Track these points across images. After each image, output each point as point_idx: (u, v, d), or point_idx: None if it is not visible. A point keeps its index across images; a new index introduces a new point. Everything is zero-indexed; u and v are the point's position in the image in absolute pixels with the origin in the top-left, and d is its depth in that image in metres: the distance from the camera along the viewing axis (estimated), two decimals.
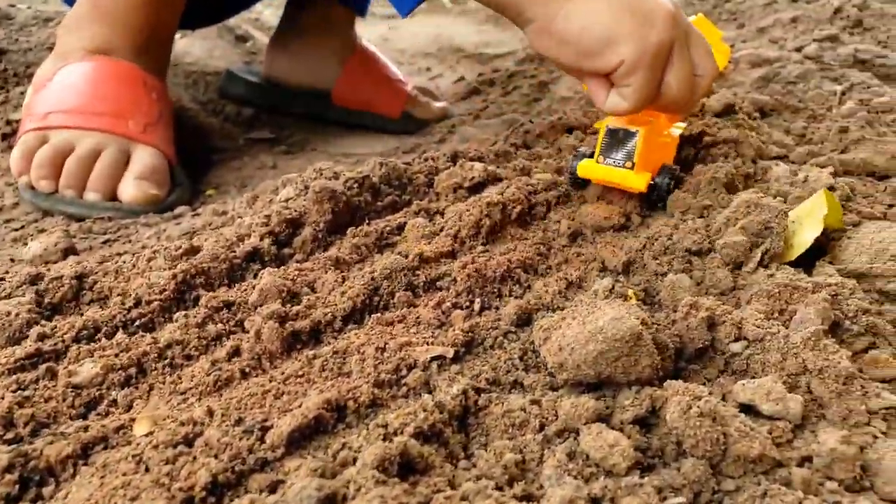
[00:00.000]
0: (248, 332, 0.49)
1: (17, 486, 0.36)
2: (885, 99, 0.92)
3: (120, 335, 0.50)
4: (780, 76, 1.03)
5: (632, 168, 0.63)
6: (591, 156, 0.66)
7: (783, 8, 1.49)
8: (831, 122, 0.83)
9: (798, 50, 1.21)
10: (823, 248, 0.59)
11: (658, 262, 0.56)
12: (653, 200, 0.66)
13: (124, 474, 0.35)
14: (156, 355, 0.48)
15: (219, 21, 1.35)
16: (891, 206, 0.69)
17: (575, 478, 0.36)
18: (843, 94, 0.96)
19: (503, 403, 0.41)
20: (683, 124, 0.75)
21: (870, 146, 0.77)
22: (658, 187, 0.64)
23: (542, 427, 0.40)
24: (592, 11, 0.59)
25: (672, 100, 0.61)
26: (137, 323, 0.52)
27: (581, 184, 0.68)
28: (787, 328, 0.48)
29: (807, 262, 0.57)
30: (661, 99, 0.61)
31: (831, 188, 0.67)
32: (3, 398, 0.43)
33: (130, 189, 0.81)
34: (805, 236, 0.57)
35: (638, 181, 0.62)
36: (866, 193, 0.70)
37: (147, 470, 0.35)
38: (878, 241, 0.56)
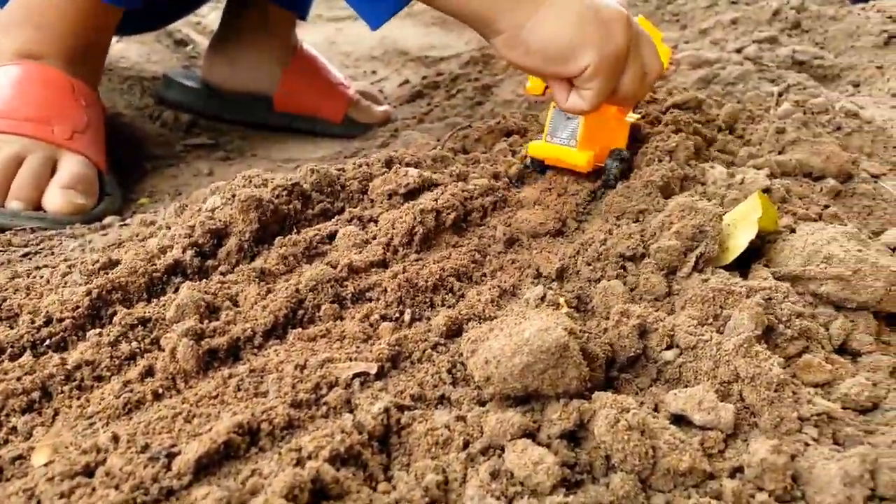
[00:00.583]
0: (163, 350, 0.46)
1: None
2: (821, 100, 0.93)
3: (26, 356, 0.47)
4: (719, 77, 1.04)
5: (575, 146, 0.67)
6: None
7: (724, 10, 1.50)
8: (769, 122, 0.84)
9: (738, 51, 1.22)
10: (759, 250, 0.59)
11: (592, 268, 0.55)
12: (604, 183, 0.69)
13: None
14: (63, 377, 0.45)
15: (159, 27, 1.32)
16: (826, 206, 0.69)
17: (498, 498, 0.35)
18: (781, 95, 0.97)
19: (427, 421, 0.39)
20: (636, 114, 0.80)
21: (806, 147, 0.77)
22: (607, 169, 0.69)
23: (466, 445, 0.38)
24: (557, 23, 0.63)
25: (624, 97, 0.67)
26: (47, 343, 0.49)
27: (542, 168, 0.72)
28: (721, 333, 0.47)
29: (742, 264, 0.56)
30: (614, 96, 0.66)
31: (767, 190, 0.67)
32: None
33: (56, 198, 0.77)
34: (740, 239, 0.56)
35: (579, 158, 0.66)
36: (802, 194, 0.71)
37: None
38: (812, 243, 0.56)
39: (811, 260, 0.54)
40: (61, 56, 0.86)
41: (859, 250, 0.53)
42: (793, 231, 0.59)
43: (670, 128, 0.78)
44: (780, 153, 0.78)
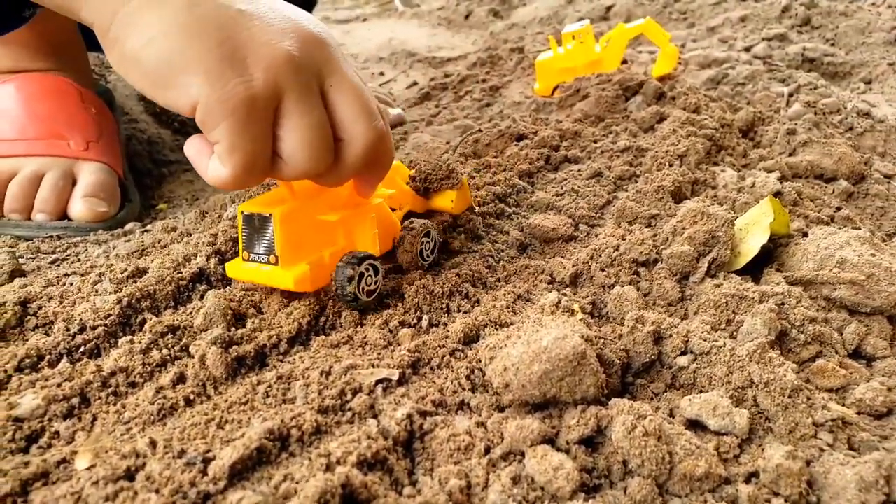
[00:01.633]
0: (193, 357, 0.48)
1: None
2: (833, 100, 0.93)
3: (64, 363, 0.49)
4: (728, 77, 1.05)
5: (276, 263, 0.50)
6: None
7: (732, 7, 1.51)
8: (779, 124, 0.84)
9: (747, 50, 1.23)
10: (771, 254, 0.59)
11: (605, 273, 0.56)
12: (340, 298, 0.53)
13: None
14: (100, 384, 0.46)
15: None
16: (838, 208, 0.70)
17: (520, 503, 0.36)
18: (791, 95, 0.97)
19: (449, 427, 0.40)
20: (389, 191, 0.61)
21: (817, 148, 0.78)
22: (337, 284, 0.52)
23: (487, 450, 0.39)
24: (157, 25, 0.43)
25: (296, 167, 0.45)
26: (82, 349, 0.50)
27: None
28: (734, 339, 0.48)
29: (755, 269, 0.57)
30: (282, 166, 0.46)
31: (778, 193, 0.68)
32: None
33: (79, 207, 0.79)
34: (752, 244, 0.57)
35: (285, 279, 0.50)
36: (814, 196, 0.71)
37: None
38: (825, 247, 0.57)
39: (824, 264, 0.55)
40: (50, 58, 0.85)
41: (872, 255, 0.54)
42: (805, 235, 0.60)
43: (679, 132, 0.79)
44: (790, 155, 0.79)
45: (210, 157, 0.45)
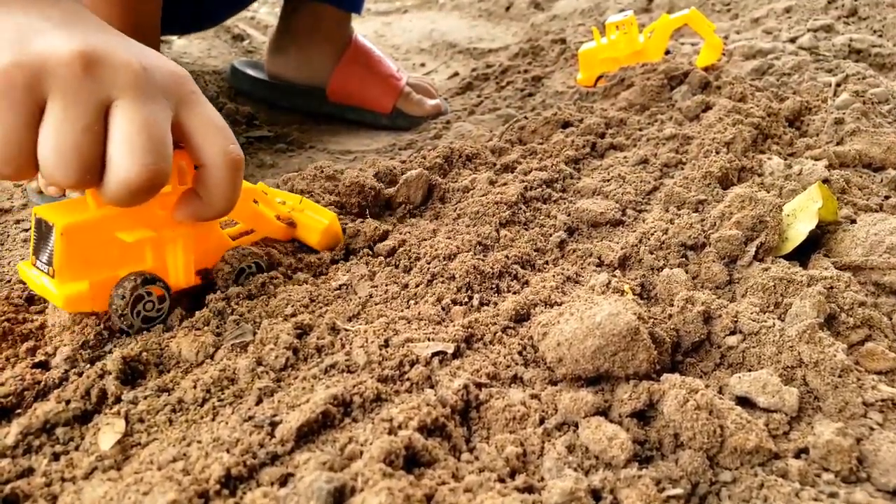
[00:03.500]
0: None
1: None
2: (881, 89, 0.92)
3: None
4: (774, 68, 1.04)
5: (53, 276, 0.47)
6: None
7: None
8: (826, 113, 0.84)
9: (792, 41, 1.21)
10: (819, 241, 0.60)
11: (654, 256, 0.57)
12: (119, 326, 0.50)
13: (136, 472, 0.36)
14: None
15: (209, 26, 1.37)
16: (887, 197, 0.70)
17: (575, 470, 0.37)
18: (839, 85, 0.96)
19: (503, 398, 0.42)
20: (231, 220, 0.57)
21: (865, 137, 0.78)
22: (113, 307, 0.48)
23: (542, 421, 0.41)
24: None
25: (47, 172, 0.43)
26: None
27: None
28: (782, 321, 0.49)
29: (802, 255, 0.58)
30: (40, 170, 0.43)
31: (826, 181, 0.68)
32: None
33: None
34: (800, 229, 0.58)
35: (56, 295, 0.47)
36: (862, 185, 0.71)
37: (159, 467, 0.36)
38: (874, 233, 0.57)
39: (874, 250, 0.55)
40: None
41: None
42: (853, 222, 0.60)
43: (725, 121, 0.79)
44: (838, 144, 0.78)
45: None
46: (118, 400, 0.43)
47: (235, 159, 0.49)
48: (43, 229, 0.47)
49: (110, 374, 0.44)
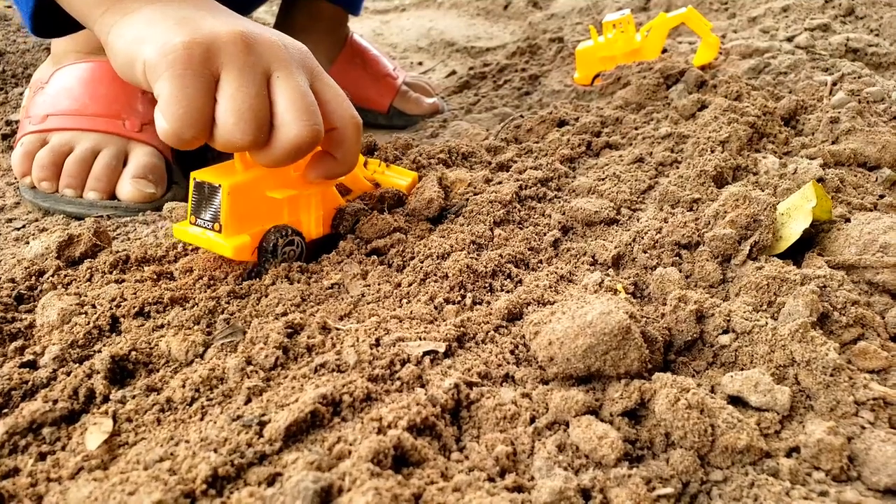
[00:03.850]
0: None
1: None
2: (877, 88, 0.92)
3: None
4: (770, 67, 1.04)
5: (219, 231, 0.53)
6: None
7: None
8: (822, 112, 0.84)
9: (789, 40, 1.21)
10: (813, 239, 0.59)
11: (647, 255, 0.57)
12: (260, 268, 0.57)
13: (122, 472, 0.36)
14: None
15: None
16: (881, 196, 0.70)
17: (565, 469, 0.37)
18: (834, 84, 0.96)
19: (494, 397, 0.42)
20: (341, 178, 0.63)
21: (860, 136, 0.77)
22: (264, 251, 0.56)
23: (532, 420, 0.40)
24: (132, 23, 0.54)
25: (226, 133, 0.49)
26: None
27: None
28: (775, 320, 0.49)
29: (796, 253, 0.58)
30: (215, 132, 0.49)
31: (820, 180, 0.68)
32: None
33: (128, 188, 0.81)
34: (794, 228, 0.57)
35: (223, 247, 0.53)
36: (857, 184, 0.71)
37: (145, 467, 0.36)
38: (868, 232, 0.57)
39: (867, 249, 0.55)
40: None
41: None
42: (848, 220, 0.60)
43: (721, 119, 0.79)
44: (833, 143, 0.78)
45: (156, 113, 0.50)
46: (106, 399, 0.43)
47: (360, 122, 0.57)
48: (205, 191, 0.54)
49: (99, 373, 0.44)
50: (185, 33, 0.49)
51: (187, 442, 0.38)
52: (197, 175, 0.54)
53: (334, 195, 0.62)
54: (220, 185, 0.52)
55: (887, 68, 1.16)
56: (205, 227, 0.55)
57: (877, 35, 1.27)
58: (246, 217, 0.54)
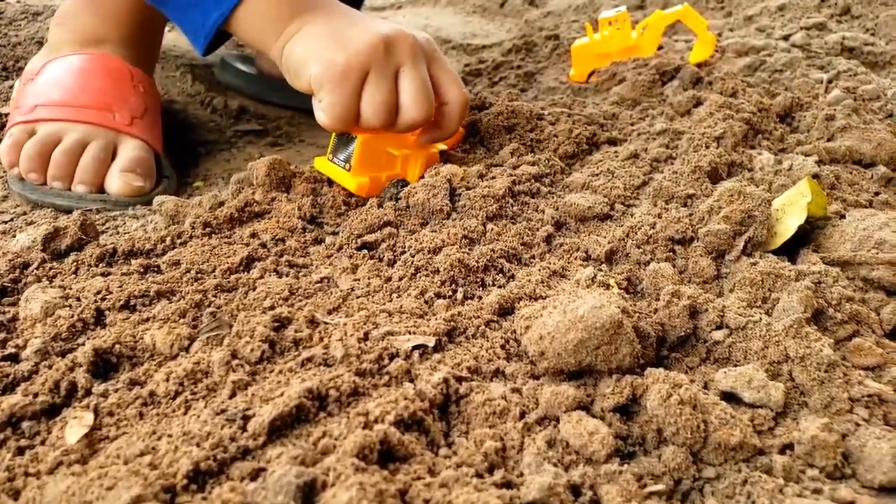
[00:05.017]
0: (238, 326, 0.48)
1: None
2: (872, 87, 0.92)
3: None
4: (766, 65, 1.03)
5: (349, 170, 0.68)
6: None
7: None
8: (817, 109, 0.83)
9: (785, 38, 1.21)
10: (808, 236, 0.59)
11: (641, 250, 0.56)
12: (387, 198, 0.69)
13: (102, 466, 0.35)
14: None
15: None
16: (877, 193, 0.69)
17: (555, 465, 0.36)
18: (830, 82, 0.96)
19: (484, 392, 0.41)
20: (443, 146, 0.77)
21: (856, 134, 0.77)
22: (386, 192, 0.68)
23: (522, 415, 0.40)
24: (299, 43, 0.67)
25: (367, 120, 0.65)
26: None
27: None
28: (769, 316, 0.48)
29: (791, 250, 0.57)
30: (361, 120, 0.66)
31: (816, 176, 0.67)
32: None
33: (116, 181, 0.80)
34: (789, 224, 0.57)
35: (350, 181, 0.68)
36: (852, 181, 0.70)
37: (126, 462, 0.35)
38: (863, 228, 0.56)
39: (862, 245, 0.55)
40: (121, 43, 0.90)
41: None
42: (843, 217, 0.60)
43: (716, 115, 0.78)
44: (829, 140, 0.78)
45: (317, 108, 0.67)
46: (88, 393, 0.42)
47: (466, 100, 0.72)
48: (345, 138, 0.69)
49: (81, 366, 0.43)
50: (339, 51, 0.63)
51: (169, 436, 0.37)
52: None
53: (434, 154, 0.75)
54: (356, 137, 0.68)
55: (883, 67, 1.16)
56: (338, 165, 0.69)
57: (873, 34, 1.27)
58: (370, 164, 0.69)
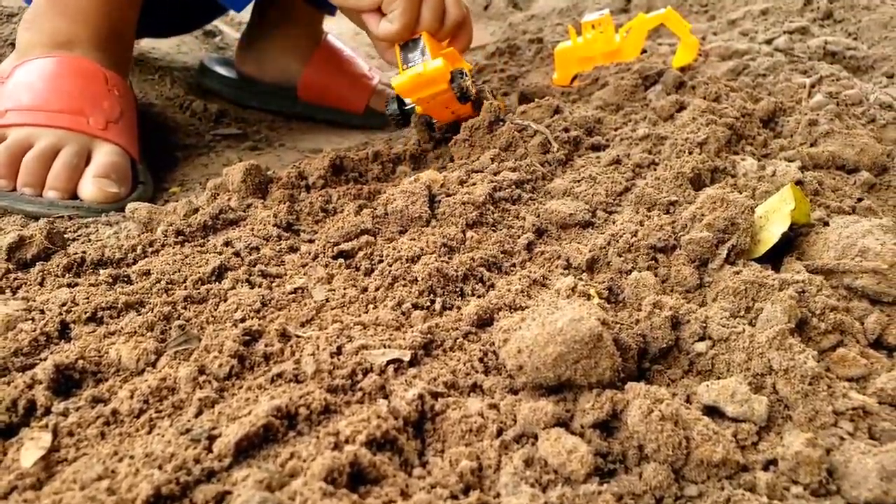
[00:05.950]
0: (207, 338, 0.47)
1: None
2: (855, 91, 0.91)
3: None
4: (749, 69, 1.03)
5: (429, 58, 0.75)
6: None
7: (754, 0, 1.48)
8: (800, 114, 0.83)
9: (768, 42, 1.21)
10: (791, 243, 0.58)
11: (622, 259, 0.55)
12: (462, 95, 0.77)
13: (56, 493, 0.33)
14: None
15: (191, 30, 1.35)
16: (860, 199, 0.68)
17: (532, 485, 0.35)
18: (813, 86, 0.95)
19: (460, 408, 0.40)
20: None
21: (839, 139, 0.76)
22: (455, 77, 0.76)
23: (499, 432, 0.38)
24: None
25: (427, 24, 0.76)
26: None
27: (402, 119, 0.85)
28: (753, 326, 0.47)
29: (775, 257, 0.56)
30: (419, 25, 0.76)
31: (799, 182, 0.66)
32: None
33: (90, 187, 0.78)
34: (772, 232, 0.56)
35: (435, 66, 0.74)
36: (835, 187, 0.70)
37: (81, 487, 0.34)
38: (846, 236, 0.56)
39: (846, 253, 0.54)
40: (92, 45, 0.87)
41: (895, 244, 0.53)
42: (826, 224, 0.59)
43: (699, 121, 0.77)
44: (812, 145, 0.77)
45: (379, 21, 0.77)
46: (48, 412, 0.40)
47: (465, 14, 0.84)
48: (409, 45, 0.77)
49: (41, 383, 0.41)
50: None
51: (131, 458, 0.35)
52: (374, 36, 0.79)
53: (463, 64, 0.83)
54: (419, 36, 0.76)
55: (865, 71, 1.16)
56: (415, 64, 0.76)
57: (855, 38, 1.27)
58: (439, 52, 0.77)
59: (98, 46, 0.88)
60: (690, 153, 0.69)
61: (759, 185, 0.65)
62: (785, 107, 0.86)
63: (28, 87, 0.81)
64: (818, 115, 0.81)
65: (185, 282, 0.54)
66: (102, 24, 0.88)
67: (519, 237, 0.61)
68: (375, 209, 0.63)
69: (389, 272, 0.54)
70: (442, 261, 0.55)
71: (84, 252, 0.59)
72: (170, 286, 0.53)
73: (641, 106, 0.89)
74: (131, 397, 0.40)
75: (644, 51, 1.14)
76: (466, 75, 0.78)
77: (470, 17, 0.85)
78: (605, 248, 0.56)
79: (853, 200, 0.68)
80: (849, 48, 1.18)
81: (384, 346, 0.44)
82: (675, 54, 1.09)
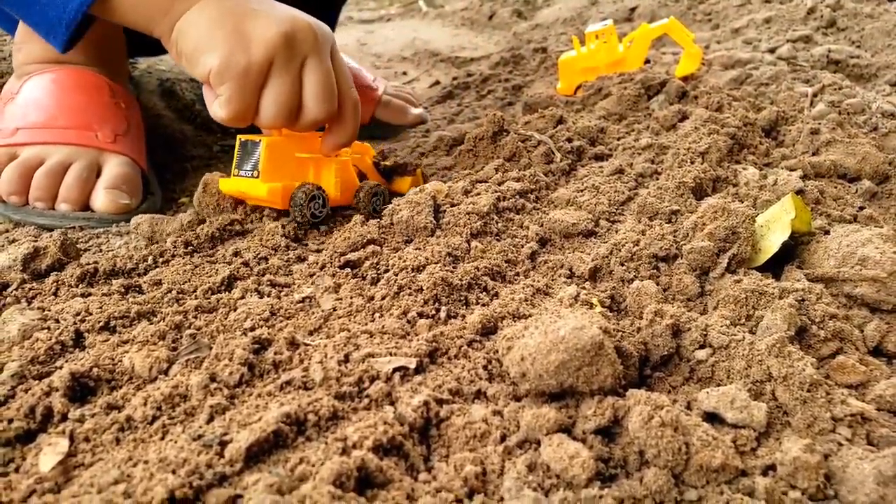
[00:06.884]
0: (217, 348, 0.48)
1: None
2: (857, 100, 0.92)
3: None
4: (752, 78, 1.04)
5: (257, 177, 0.66)
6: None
7: (757, 8, 1.49)
8: (802, 123, 0.84)
9: (771, 51, 1.22)
10: (792, 252, 0.59)
11: (625, 268, 0.56)
12: (294, 219, 0.67)
13: (75, 496, 0.34)
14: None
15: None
16: (861, 208, 0.69)
17: (535, 490, 0.36)
18: (815, 95, 0.96)
19: (465, 414, 0.41)
20: (356, 155, 0.76)
21: (841, 148, 0.77)
22: (295, 204, 0.66)
23: (503, 438, 0.39)
24: (193, 27, 0.63)
25: (268, 118, 0.64)
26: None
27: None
28: (753, 334, 0.48)
29: (776, 266, 0.57)
30: (259, 115, 0.64)
31: (800, 191, 0.67)
32: None
33: (102, 198, 0.80)
34: (773, 241, 0.57)
35: (261, 189, 0.65)
36: (837, 196, 0.71)
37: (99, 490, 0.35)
38: (847, 245, 0.56)
39: (846, 262, 0.55)
40: (87, 54, 0.88)
41: (895, 252, 0.53)
42: (827, 233, 0.60)
43: (702, 130, 0.78)
44: (814, 154, 0.78)
45: (214, 102, 0.64)
46: (64, 418, 0.41)
47: (358, 103, 0.69)
48: (248, 147, 0.67)
49: (58, 390, 0.42)
50: (240, 45, 0.61)
51: (145, 463, 0.37)
52: (242, 136, 0.68)
53: (352, 173, 0.73)
54: (260, 141, 0.66)
55: (868, 80, 1.16)
56: (245, 177, 0.66)
57: (858, 47, 1.28)
58: (279, 170, 0.66)
59: (93, 62, 0.89)
60: (692, 163, 0.70)
61: (760, 194, 0.65)
62: (787, 116, 0.87)
63: (36, 104, 0.83)
64: (820, 123, 0.82)
65: (195, 291, 0.55)
66: (90, 42, 0.88)
67: (522, 247, 0.62)
68: (381, 219, 0.64)
69: (395, 281, 0.55)
70: (447, 270, 0.56)
71: (97, 262, 0.60)
72: (180, 296, 0.54)
73: (644, 116, 0.90)
74: (145, 404, 0.41)
75: (647, 61, 1.15)
76: (310, 201, 0.66)
77: (354, 107, 0.69)
78: (607, 257, 0.57)
79: (854, 209, 0.68)
80: (852, 56, 1.18)
81: (390, 354, 0.45)
82: (679, 64, 1.10)
